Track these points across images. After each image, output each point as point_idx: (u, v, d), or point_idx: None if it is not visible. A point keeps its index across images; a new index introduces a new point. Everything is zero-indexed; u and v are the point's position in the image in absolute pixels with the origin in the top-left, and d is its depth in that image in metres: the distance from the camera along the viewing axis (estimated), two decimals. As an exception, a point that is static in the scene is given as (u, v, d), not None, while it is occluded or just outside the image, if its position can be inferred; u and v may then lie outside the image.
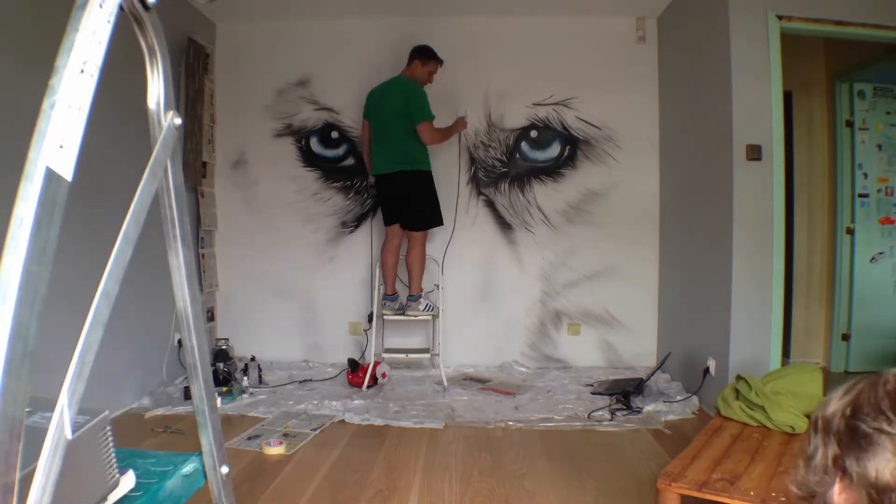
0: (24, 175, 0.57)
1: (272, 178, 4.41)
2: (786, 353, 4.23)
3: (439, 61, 3.92)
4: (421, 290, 3.97)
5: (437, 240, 4.24)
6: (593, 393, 3.67)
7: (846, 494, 0.63)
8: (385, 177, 3.85)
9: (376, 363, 3.89)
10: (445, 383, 3.83)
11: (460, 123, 4.01)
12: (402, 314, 3.98)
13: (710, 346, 3.36)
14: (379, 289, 4.08)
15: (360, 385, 3.79)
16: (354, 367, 3.88)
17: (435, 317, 4.04)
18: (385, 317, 4.04)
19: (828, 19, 3.10)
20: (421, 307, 3.95)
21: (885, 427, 0.61)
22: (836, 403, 0.67)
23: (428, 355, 4.13)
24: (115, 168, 2.93)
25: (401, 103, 3.73)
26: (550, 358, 4.39)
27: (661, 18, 4.25)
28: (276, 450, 2.71)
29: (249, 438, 2.88)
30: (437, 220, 3.95)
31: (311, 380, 3.97)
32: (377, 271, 4.13)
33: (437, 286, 4.12)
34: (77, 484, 0.85)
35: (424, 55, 3.87)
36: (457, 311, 4.38)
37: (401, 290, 4.10)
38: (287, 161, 4.40)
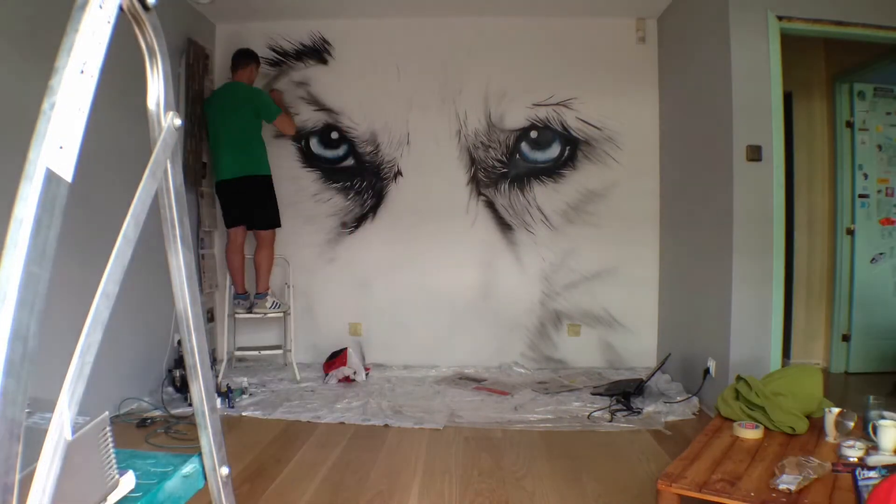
0: (24, 175, 0.57)
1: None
2: (786, 353, 4.23)
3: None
4: (268, 288, 4.11)
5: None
6: (593, 393, 3.66)
7: None
8: (230, 182, 3.89)
9: (344, 353, 4.02)
10: (298, 377, 3.96)
11: (276, 95, 4.20)
12: (251, 312, 4.09)
13: (711, 347, 3.36)
14: (229, 288, 4.16)
15: (325, 372, 4.01)
16: (332, 356, 4.09)
17: (286, 314, 4.15)
18: (237, 315, 4.13)
19: (828, 20, 3.10)
20: (268, 304, 4.09)
21: None
22: None
23: (280, 351, 4.24)
24: (115, 168, 2.93)
25: (247, 107, 3.83)
26: (550, 359, 4.38)
27: (661, 19, 4.25)
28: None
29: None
30: (279, 222, 4.11)
31: (310, 380, 3.97)
32: (226, 273, 4.21)
33: (288, 285, 4.22)
34: (77, 485, 0.84)
35: (257, 60, 4.04)
36: (456, 312, 4.38)
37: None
38: (287, 162, 4.40)
